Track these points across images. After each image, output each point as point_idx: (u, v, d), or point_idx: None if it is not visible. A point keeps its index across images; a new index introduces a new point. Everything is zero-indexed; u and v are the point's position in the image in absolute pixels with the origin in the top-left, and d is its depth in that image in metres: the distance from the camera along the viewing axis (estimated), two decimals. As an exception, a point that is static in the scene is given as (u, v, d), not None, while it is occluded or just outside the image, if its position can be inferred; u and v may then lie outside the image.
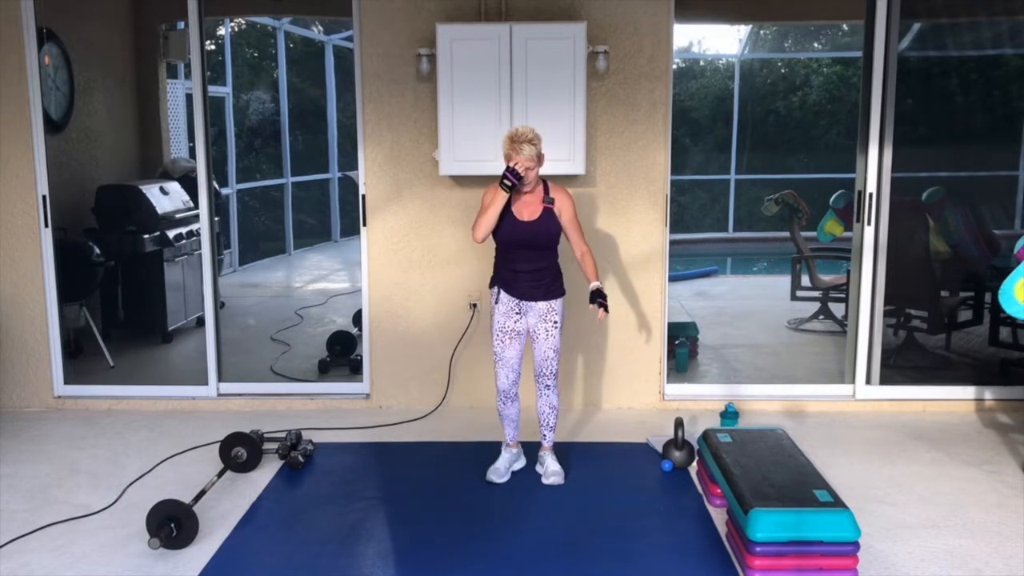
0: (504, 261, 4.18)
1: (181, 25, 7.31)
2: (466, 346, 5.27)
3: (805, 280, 7.39)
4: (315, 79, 11.43)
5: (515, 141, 3.97)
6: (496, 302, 4.20)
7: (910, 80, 6.10)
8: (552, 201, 4.11)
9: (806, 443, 4.55)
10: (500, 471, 4.29)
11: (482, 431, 4.91)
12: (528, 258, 4.11)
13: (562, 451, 4.54)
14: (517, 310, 4.19)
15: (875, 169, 5.15)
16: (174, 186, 6.98)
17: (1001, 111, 7.56)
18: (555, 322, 4.19)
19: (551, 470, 4.27)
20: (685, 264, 9.84)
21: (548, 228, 4.10)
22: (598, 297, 4.13)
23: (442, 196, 5.17)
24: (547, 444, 4.37)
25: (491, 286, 4.26)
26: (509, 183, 3.94)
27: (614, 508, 3.98)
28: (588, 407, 5.33)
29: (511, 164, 3.96)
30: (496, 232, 4.10)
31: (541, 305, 4.17)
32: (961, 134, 7.52)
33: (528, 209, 4.09)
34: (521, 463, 4.42)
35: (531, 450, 4.47)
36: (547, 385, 4.25)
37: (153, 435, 4.91)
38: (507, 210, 4.07)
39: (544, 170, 4.91)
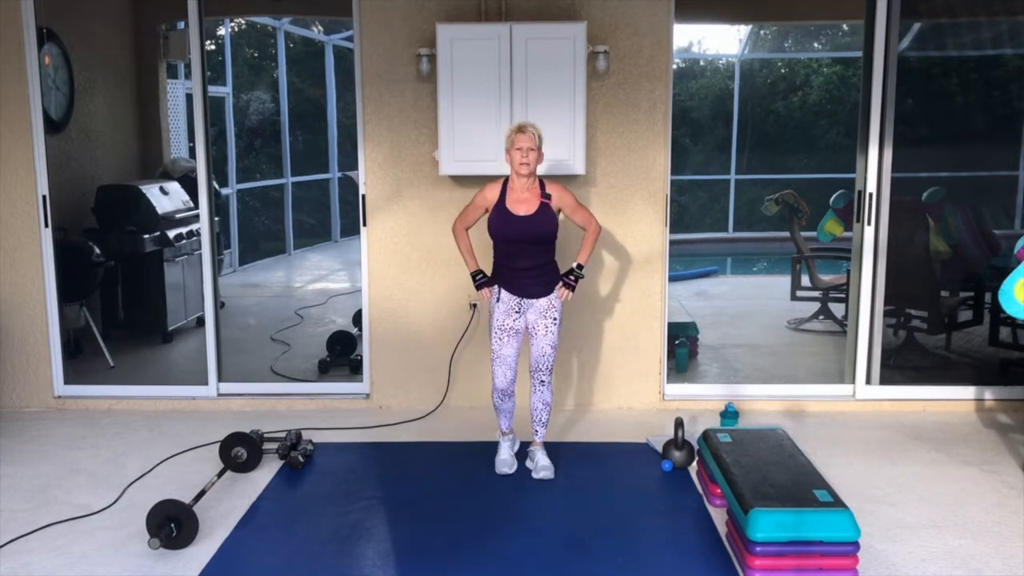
0: (503, 258, 4.20)
1: (181, 25, 7.30)
2: (466, 346, 5.26)
3: (805, 280, 7.39)
4: (315, 79, 11.43)
5: (522, 125, 4.08)
6: (498, 300, 4.22)
7: (910, 80, 6.09)
8: (549, 196, 4.14)
9: (806, 443, 4.55)
10: (508, 461, 4.35)
11: (482, 431, 4.91)
12: (527, 253, 4.13)
13: (561, 451, 4.55)
14: (517, 308, 4.21)
15: (875, 169, 5.15)
16: (174, 186, 6.98)
17: (1001, 111, 7.55)
18: (554, 319, 4.21)
19: (541, 464, 4.29)
20: (685, 264, 9.84)
21: (544, 222, 4.12)
22: (569, 275, 4.23)
23: (442, 196, 5.17)
24: (539, 440, 4.39)
25: (490, 284, 4.27)
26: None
27: (614, 508, 3.98)
28: (587, 407, 5.33)
29: (513, 155, 4.06)
30: (492, 229, 4.15)
31: (542, 302, 4.20)
32: (961, 134, 7.51)
33: (525, 205, 4.12)
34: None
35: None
36: (542, 381, 4.28)
37: (153, 435, 4.91)
38: (503, 207, 4.11)
39: (544, 169, 4.94)
